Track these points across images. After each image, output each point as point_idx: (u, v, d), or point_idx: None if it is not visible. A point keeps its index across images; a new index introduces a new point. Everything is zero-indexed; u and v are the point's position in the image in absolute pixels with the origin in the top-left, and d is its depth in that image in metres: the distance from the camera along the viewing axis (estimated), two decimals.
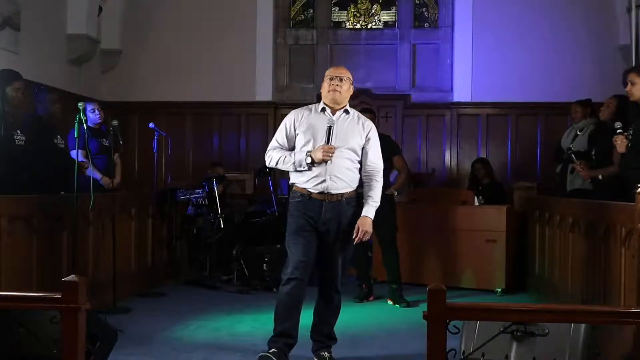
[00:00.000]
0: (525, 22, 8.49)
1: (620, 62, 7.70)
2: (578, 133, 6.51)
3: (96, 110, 6.33)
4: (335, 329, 4.20)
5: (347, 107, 4.13)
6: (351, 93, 4.14)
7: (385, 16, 9.22)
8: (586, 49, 8.36)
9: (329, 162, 3.94)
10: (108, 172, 6.07)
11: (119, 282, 5.64)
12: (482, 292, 6.59)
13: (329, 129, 3.98)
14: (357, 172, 4.08)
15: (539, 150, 8.58)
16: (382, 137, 6.37)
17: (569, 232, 5.34)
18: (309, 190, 4.00)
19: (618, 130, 4.82)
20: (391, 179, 6.43)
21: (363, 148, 4.09)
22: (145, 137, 7.58)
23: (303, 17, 9.31)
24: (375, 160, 4.14)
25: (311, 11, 9.28)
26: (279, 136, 4.12)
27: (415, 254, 6.90)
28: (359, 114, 4.24)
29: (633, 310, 2.24)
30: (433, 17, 9.05)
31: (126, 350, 4.26)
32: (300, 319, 4.07)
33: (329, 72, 4.13)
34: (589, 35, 8.34)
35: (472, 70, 8.58)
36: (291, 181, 4.14)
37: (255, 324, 5.14)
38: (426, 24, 9.08)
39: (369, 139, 4.11)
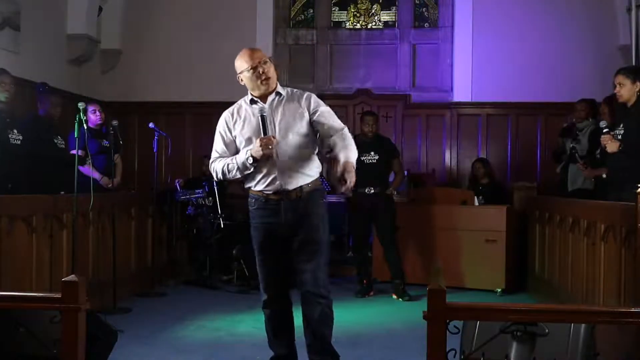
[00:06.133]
0: (525, 22, 8.48)
1: (620, 62, 7.67)
2: (578, 133, 6.51)
3: (97, 112, 6.36)
4: (335, 328, 3.70)
5: (278, 89, 3.60)
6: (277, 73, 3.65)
7: (385, 16, 9.22)
8: (586, 49, 8.35)
9: (274, 155, 3.46)
10: (107, 173, 6.08)
11: (119, 282, 5.65)
12: (482, 292, 6.59)
13: (262, 118, 3.47)
14: (312, 154, 3.60)
15: (539, 150, 8.58)
16: (382, 138, 6.51)
17: (569, 232, 5.34)
18: (264, 192, 3.56)
19: (604, 130, 4.80)
20: (390, 179, 6.56)
21: (314, 122, 3.55)
22: (145, 137, 7.57)
23: (303, 17, 9.30)
24: (333, 123, 3.55)
25: (311, 11, 9.27)
26: (217, 146, 3.68)
27: (415, 254, 6.91)
28: (293, 89, 3.67)
29: (633, 310, 2.23)
30: (433, 17, 9.04)
31: (126, 350, 4.26)
32: (294, 334, 3.75)
33: (248, 60, 3.51)
34: (589, 35, 8.33)
35: (472, 70, 8.58)
36: (245, 186, 3.69)
37: (255, 324, 5.12)
38: (426, 24, 9.06)
39: (315, 110, 3.56)
